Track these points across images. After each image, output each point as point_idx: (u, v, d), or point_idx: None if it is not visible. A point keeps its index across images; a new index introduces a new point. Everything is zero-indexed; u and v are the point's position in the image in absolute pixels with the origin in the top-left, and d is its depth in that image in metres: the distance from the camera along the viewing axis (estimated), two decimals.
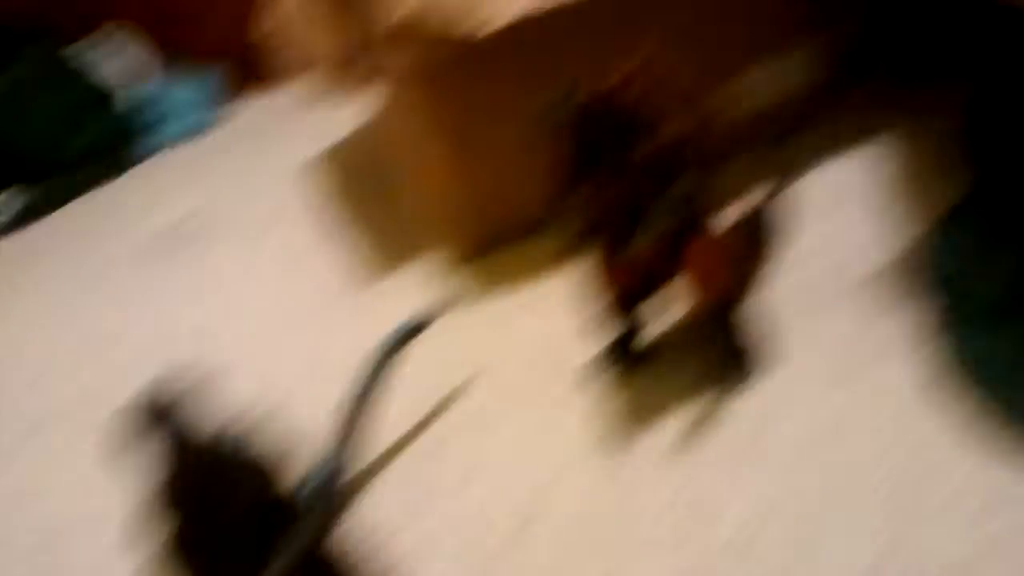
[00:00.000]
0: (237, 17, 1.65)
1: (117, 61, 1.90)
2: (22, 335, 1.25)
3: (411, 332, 0.83)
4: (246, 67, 1.90)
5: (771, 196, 0.88)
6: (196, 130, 1.90)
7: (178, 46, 1.93)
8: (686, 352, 0.79)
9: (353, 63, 1.07)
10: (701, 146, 0.67)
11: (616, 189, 0.64)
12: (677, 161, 0.64)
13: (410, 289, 1.02)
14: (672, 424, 0.73)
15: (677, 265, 0.70)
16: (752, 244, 0.81)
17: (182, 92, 1.95)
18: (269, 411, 0.86)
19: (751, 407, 0.72)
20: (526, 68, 0.88)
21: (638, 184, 0.63)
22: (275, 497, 0.55)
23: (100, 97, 1.89)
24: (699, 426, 0.72)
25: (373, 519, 0.74)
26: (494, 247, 1.01)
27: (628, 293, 0.74)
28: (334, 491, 0.74)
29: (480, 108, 0.91)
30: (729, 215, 0.74)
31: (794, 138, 0.96)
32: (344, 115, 1.48)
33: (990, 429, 0.63)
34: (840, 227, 0.88)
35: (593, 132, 0.62)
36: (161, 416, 0.47)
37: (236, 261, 1.26)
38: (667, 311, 0.78)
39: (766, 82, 0.97)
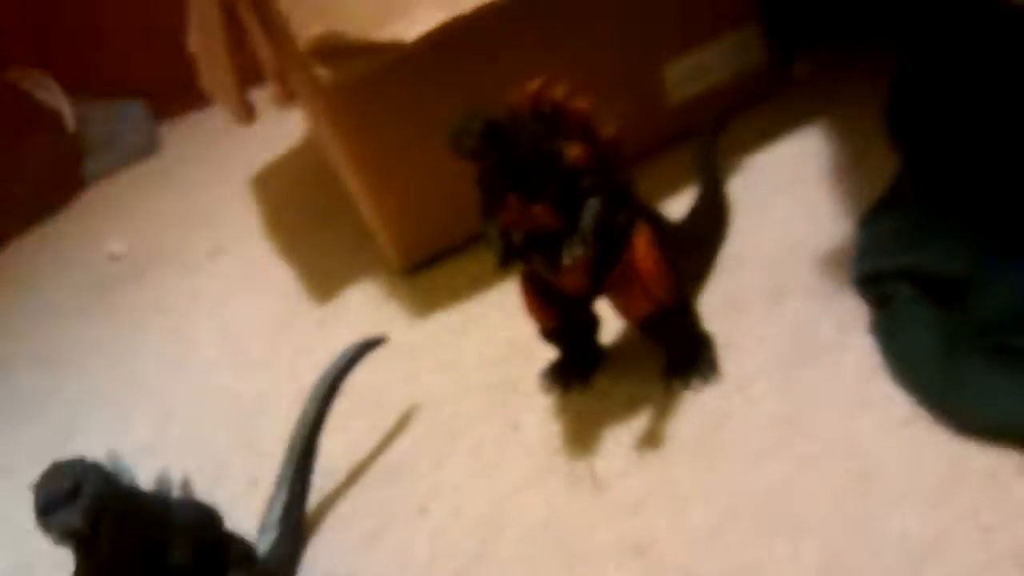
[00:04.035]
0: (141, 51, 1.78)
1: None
2: None
3: (356, 356, 0.81)
4: (163, 97, 1.89)
5: (707, 187, 0.87)
6: (133, 156, 1.87)
7: (88, 85, 1.88)
8: (634, 358, 0.78)
9: (278, 81, 1.05)
10: (613, 156, 0.65)
11: (529, 212, 0.62)
12: (592, 175, 0.63)
13: (354, 310, 1.01)
14: (628, 428, 0.72)
15: (608, 279, 0.68)
16: (689, 243, 0.80)
17: (114, 119, 1.92)
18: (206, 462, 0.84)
19: (706, 402, 0.71)
20: (442, 83, 0.86)
21: (553, 205, 0.62)
22: (218, 542, 0.53)
23: None
24: (656, 426, 0.71)
25: (331, 553, 0.73)
26: (433, 262, 0.99)
27: (561, 314, 0.72)
28: (290, 527, 0.72)
29: (395, 126, 0.90)
30: (664, 210, 0.73)
31: (729, 125, 0.95)
32: (278, 133, 1.47)
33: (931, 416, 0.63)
34: (777, 220, 0.86)
35: (499, 158, 0.60)
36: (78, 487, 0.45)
37: (180, 291, 1.24)
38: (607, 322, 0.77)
39: (697, 70, 0.97)
